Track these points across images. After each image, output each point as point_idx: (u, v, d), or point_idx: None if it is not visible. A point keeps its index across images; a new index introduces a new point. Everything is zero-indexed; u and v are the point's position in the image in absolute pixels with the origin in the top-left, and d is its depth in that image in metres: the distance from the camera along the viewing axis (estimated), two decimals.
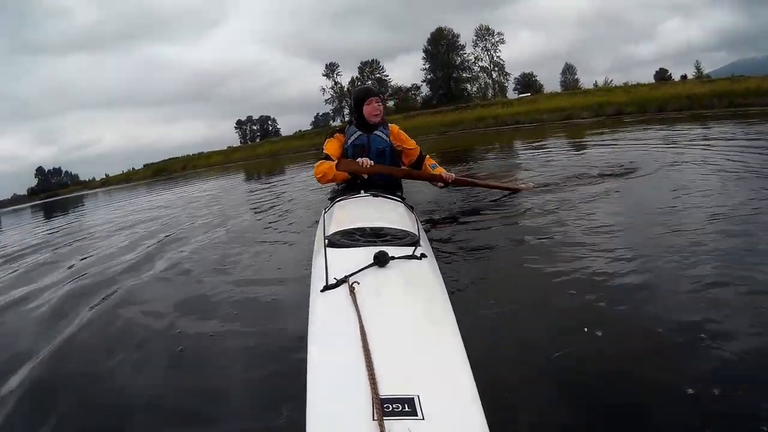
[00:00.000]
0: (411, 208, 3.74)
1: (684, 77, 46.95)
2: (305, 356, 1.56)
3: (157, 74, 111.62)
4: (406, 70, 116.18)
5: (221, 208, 8.24)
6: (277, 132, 73.77)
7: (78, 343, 2.95)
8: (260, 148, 50.74)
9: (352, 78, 66.30)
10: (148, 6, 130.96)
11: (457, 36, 63.56)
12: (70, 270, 5.20)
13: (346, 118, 4.70)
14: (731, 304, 2.21)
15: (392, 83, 67.38)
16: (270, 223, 5.66)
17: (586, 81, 59.27)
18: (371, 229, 2.64)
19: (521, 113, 29.74)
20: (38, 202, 47.48)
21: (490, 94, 61.20)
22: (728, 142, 7.77)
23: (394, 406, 1.23)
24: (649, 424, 1.62)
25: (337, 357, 1.52)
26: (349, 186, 4.15)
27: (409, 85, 67.41)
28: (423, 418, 1.20)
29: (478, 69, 63.95)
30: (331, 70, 67.20)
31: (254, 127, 77.74)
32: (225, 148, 62.24)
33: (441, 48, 63.36)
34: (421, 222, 3.36)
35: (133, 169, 65.08)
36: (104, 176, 68.64)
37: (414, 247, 2.32)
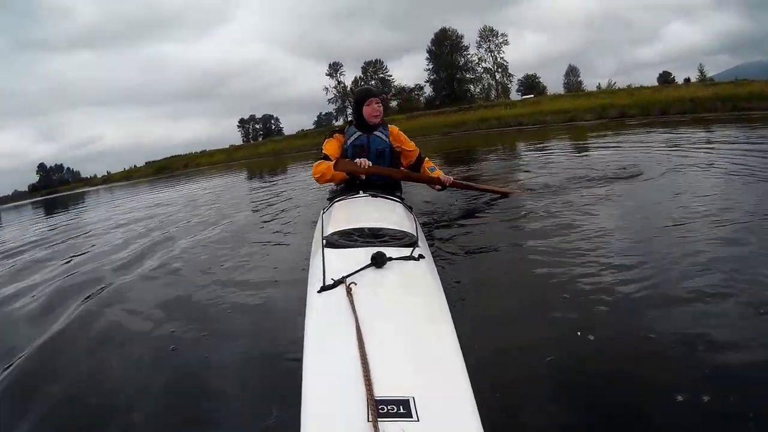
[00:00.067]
0: (410, 208, 3.72)
1: (687, 80, 46.95)
2: (301, 356, 1.55)
3: (160, 72, 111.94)
4: (410, 71, 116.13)
5: (221, 207, 8.26)
6: (279, 131, 73.99)
7: (67, 339, 2.95)
8: (263, 147, 50.92)
9: (356, 78, 66.43)
10: (152, 4, 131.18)
11: (461, 37, 63.72)
12: (64, 266, 5.22)
13: (349, 118, 4.68)
14: (728, 310, 2.19)
15: (395, 83, 67.48)
16: (269, 222, 5.65)
17: (589, 83, 59.39)
18: (369, 229, 2.63)
19: (524, 115, 29.82)
20: (39, 198, 47.73)
21: (493, 96, 61.26)
22: (731, 145, 7.74)
23: (389, 407, 1.22)
24: (641, 428, 1.62)
25: (333, 358, 1.51)
26: (348, 186, 4.15)
27: (412, 86, 67.53)
28: (418, 420, 1.19)
29: (482, 70, 64.14)
30: (334, 69, 67.39)
31: (257, 126, 77.93)
32: (227, 146, 62.65)
33: (445, 49, 63.39)
34: (419, 222, 3.35)
35: (134, 166, 65.27)
36: (106, 173, 68.94)
37: (412, 248, 2.32)
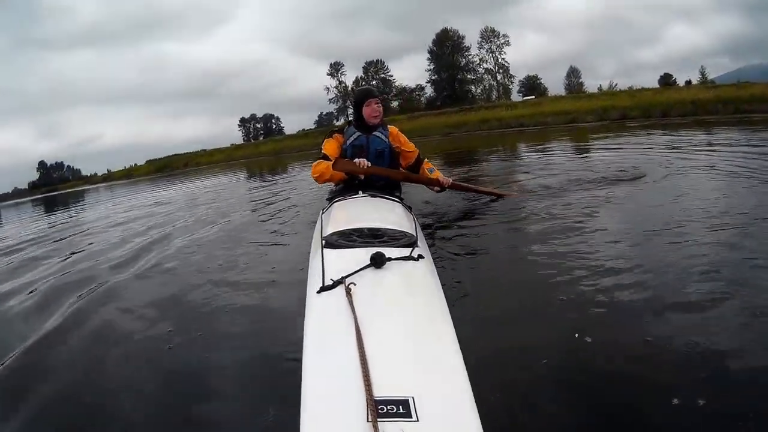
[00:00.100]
0: (409, 208, 3.72)
1: (689, 82, 46.87)
2: (300, 357, 1.55)
3: (161, 71, 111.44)
4: (411, 71, 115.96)
5: (220, 206, 8.25)
6: (280, 130, 73.98)
7: (61, 337, 2.94)
8: (263, 146, 50.98)
9: (357, 78, 66.34)
10: (153, 3, 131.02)
11: (462, 37, 63.60)
12: (62, 264, 5.23)
13: (350, 118, 4.69)
14: (727, 314, 2.18)
15: (396, 83, 67.36)
16: (268, 222, 5.63)
17: (590, 85, 59.27)
18: (369, 229, 2.63)
19: (525, 116, 29.84)
20: (39, 196, 47.81)
21: (494, 96, 61.22)
22: (732, 148, 7.72)
23: (388, 407, 1.22)
24: (638, 429, 1.63)
25: (333, 358, 1.51)
26: (347, 186, 4.15)
27: (413, 86, 67.46)
28: (417, 420, 1.19)
29: (483, 71, 63.99)
30: (335, 69, 67.28)
31: (258, 125, 77.93)
32: (228, 145, 62.62)
33: (446, 49, 63.33)
34: (419, 223, 3.34)
35: (135, 165, 65.26)
36: (106, 171, 68.94)
37: (411, 248, 2.32)
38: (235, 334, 2.59)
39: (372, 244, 2.37)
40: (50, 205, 22.04)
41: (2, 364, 2.63)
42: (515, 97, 58.65)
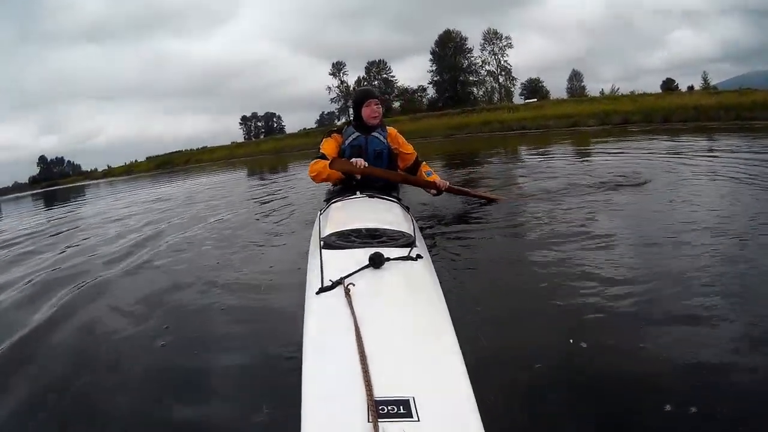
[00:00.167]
0: (407, 209, 3.73)
1: (691, 88, 46.84)
2: (300, 358, 1.54)
3: (163, 68, 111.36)
4: (413, 72, 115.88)
5: (219, 205, 8.19)
6: (281, 129, 73.92)
7: (53, 333, 2.90)
8: (264, 145, 50.95)
9: (359, 78, 66.32)
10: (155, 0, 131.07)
11: (465, 39, 63.57)
12: (55, 258, 5.23)
13: (351, 118, 4.72)
14: (724, 323, 2.16)
15: (398, 84, 67.34)
16: (266, 222, 5.59)
17: (592, 88, 59.27)
18: (367, 230, 2.63)
19: (527, 119, 29.86)
20: (39, 190, 47.70)
21: (496, 99, 61.20)
22: (734, 154, 7.72)
23: (389, 407, 1.22)
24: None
25: (332, 358, 1.50)
26: (345, 187, 4.17)
27: (415, 87, 67.45)
28: (418, 420, 1.19)
29: (485, 73, 63.96)
30: (337, 69, 67.21)
31: (259, 124, 77.83)
32: (229, 143, 62.73)
33: (448, 50, 63.32)
34: (417, 223, 3.35)
35: (135, 161, 65.26)
36: (106, 167, 68.89)
37: (410, 249, 2.33)
38: (233, 334, 2.56)
39: (370, 245, 2.37)
40: (50, 200, 22.04)
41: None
42: (517, 99, 58.78)
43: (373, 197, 3.79)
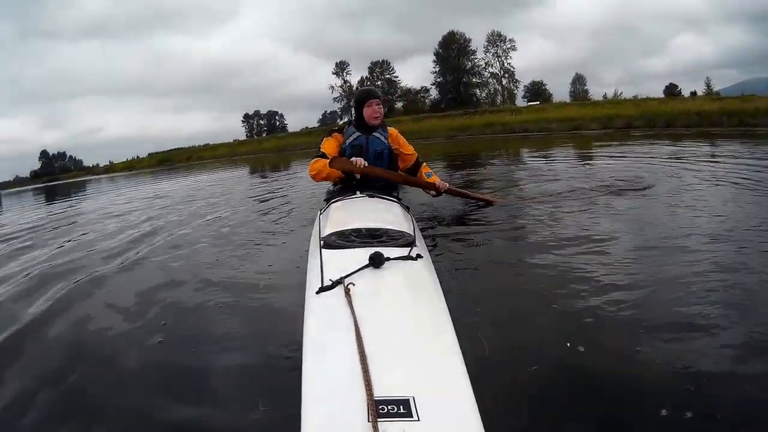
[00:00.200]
0: (407, 208, 3.73)
1: (694, 93, 46.83)
2: (300, 357, 1.54)
3: (166, 64, 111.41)
4: (416, 72, 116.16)
5: (219, 203, 8.19)
6: (284, 128, 73.94)
7: (45, 327, 2.90)
8: (266, 143, 50.85)
9: (362, 78, 66.30)
10: None
11: (469, 41, 63.61)
12: (52, 253, 5.24)
13: (353, 117, 4.72)
14: (720, 331, 2.15)
15: (401, 85, 67.36)
16: (266, 222, 5.55)
17: (595, 92, 59.36)
18: (367, 230, 2.63)
19: (530, 121, 29.80)
20: (40, 185, 47.71)
21: (498, 101, 61.19)
22: (736, 160, 7.71)
23: (389, 407, 1.22)
24: None
25: (332, 358, 1.50)
26: (345, 187, 4.18)
27: (418, 88, 67.47)
28: (418, 420, 1.19)
29: (488, 75, 64.01)
30: (341, 68, 67.28)
31: (261, 122, 77.81)
32: (231, 141, 62.65)
33: (452, 52, 63.31)
34: (417, 223, 3.35)
35: (137, 157, 65.25)
36: (108, 163, 68.93)
37: (410, 248, 2.33)
38: (232, 333, 2.55)
39: (370, 244, 2.37)
40: (50, 195, 22.09)
41: None
42: (520, 102, 58.76)
43: (373, 197, 3.80)
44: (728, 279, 2.63)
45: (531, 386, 1.89)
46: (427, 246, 2.93)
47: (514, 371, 1.99)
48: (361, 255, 2.13)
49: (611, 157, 9.99)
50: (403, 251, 2.26)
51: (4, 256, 5.56)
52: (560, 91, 63.30)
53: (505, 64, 62.98)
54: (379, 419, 1.16)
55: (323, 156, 4.08)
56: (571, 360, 2.02)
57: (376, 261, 2.03)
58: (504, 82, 63.72)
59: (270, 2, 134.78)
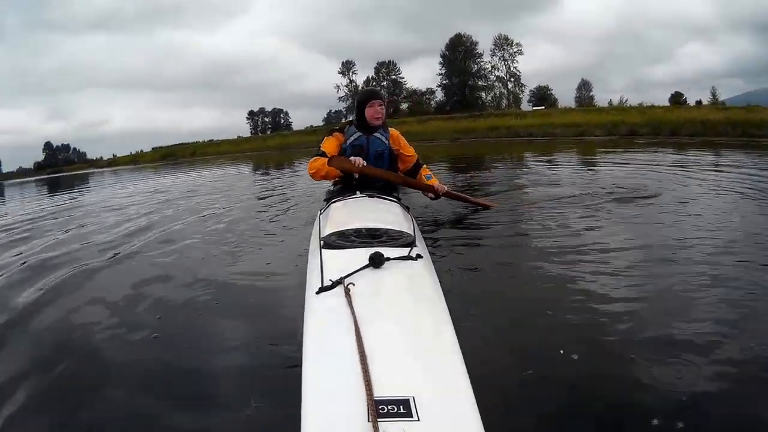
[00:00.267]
0: (407, 208, 3.74)
1: (699, 102, 46.76)
2: (300, 357, 1.54)
3: (172, 59, 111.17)
4: (422, 74, 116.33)
5: (221, 200, 8.13)
6: (288, 125, 73.81)
7: (34, 320, 2.89)
8: (270, 140, 50.82)
9: (368, 77, 66.34)
10: None
11: (476, 43, 63.48)
12: (52, 244, 5.26)
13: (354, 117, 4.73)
14: (716, 342, 2.14)
15: (407, 86, 67.31)
16: (267, 220, 5.53)
17: (600, 98, 59.21)
18: (367, 230, 2.64)
19: (534, 126, 29.72)
20: (43, 176, 47.72)
21: (504, 105, 61.16)
22: (740, 170, 7.68)
23: (389, 407, 1.22)
24: None
25: (332, 358, 1.50)
26: (345, 187, 4.20)
27: (423, 89, 67.41)
28: (418, 420, 1.19)
29: (494, 78, 63.93)
30: (347, 68, 67.17)
31: (266, 119, 77.77)
32: (235, 137, 62.58)
33: (458, 54, 63.23)
34: (417, 223, 3.36)
35: (141, 151, 65.25)
36: (112, 156, 68.94)
37: (410, 248, 2.34)
38: (231, 333, 2.53)
39: (370, 244, 2.38)
40: (53, 186, 22.08)
41: None
42: (525, 106, 58.64)
43: (373, 197, 3.81)
44: (728, 292, 2.61)
45: (531, 386, 1.90)
46: (427, 246, 2.93)
47: (514, 371, 2.00)
48: (361, 255, 2.13)
49: (615, 163, 9.98)
50: (403, 251, 2.27)
51: (1, 246, 5.56)
52: (566, 97, 63.07)
53: (512, 68, 62.93)
54: (379, 419, 1.16)
55: (323, 155, 4.10)
56: (571, 361, 2.02)
57: (376, 261, 2.03)
58: (510, 86, 63.69)
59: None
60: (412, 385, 1.31)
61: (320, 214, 3.58)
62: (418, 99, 66.26)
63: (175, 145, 62.54)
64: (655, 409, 1.69)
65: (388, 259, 2.09)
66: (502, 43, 62.40)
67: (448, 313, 1.82)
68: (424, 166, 4.62)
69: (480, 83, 64.31)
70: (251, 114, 77.46)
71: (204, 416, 1.86)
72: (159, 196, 9.68)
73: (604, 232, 3.90)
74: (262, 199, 7.64)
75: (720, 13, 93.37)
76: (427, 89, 67.07)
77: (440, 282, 2.19)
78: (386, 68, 66.80)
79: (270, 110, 77.99)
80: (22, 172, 71.63)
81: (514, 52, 62.48)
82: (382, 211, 3.45)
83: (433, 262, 2.59)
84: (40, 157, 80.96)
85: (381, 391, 1.25)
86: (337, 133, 4.33)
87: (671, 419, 1.64)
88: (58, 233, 5.93)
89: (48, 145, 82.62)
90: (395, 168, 4.48)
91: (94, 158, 74.53)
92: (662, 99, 55.48)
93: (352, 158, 3.99)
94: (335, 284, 1.90)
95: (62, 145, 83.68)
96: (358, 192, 3.90)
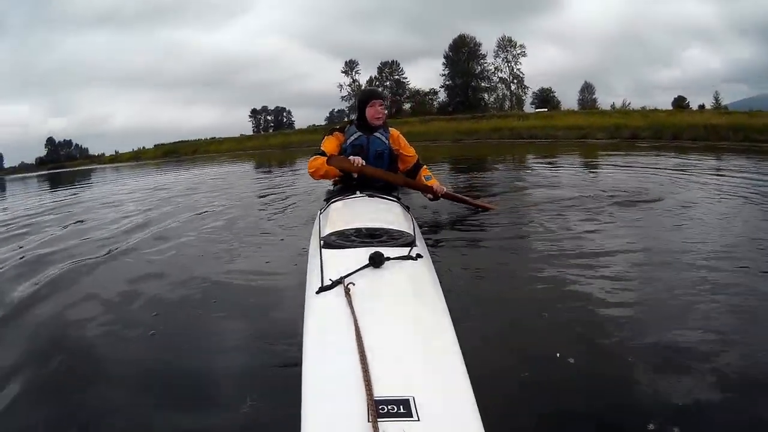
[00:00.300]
0: (407, 208, 3.75)
1: (702, 107, 46.72)
2: (300, 357, 1.54)
3: (176, 57, 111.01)
4: (425, 74, 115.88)
5: (222, 198, 8.06)
6: (291, 124, 73.76)
7: (32, 323, 2.84)
8: (273, 139, 50.82)
9: (371, 77, 66.33)
10: None
11: (479, 45, 63.43)
12: (49, 239, 5.28)
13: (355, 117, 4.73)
14: (714, 350, 2.13)
15: (410, 86, 67.28)
16: (267, 219, 5.47)
17: (603, 101, 59.06)
18: (367, 229, 2.64)
19: (537, 127, 29.71)
20: (44, 172, 47.71)
21: (507, 106, 61.12)
22: (742, 174, 7.67)
23: (389, 407, 1.22)
24: None
25: (333, 358, 1.51)
26: (345, 186, 4.21)
27: (426, 89, 67.35)
28: (418, 419, 1.19)
29: (497, 80, 63.89)
30: (350, 67, 67.13)
31: (268, 118, 77.72)
32: (238, 135, 62.47)
33: (462, 55, 63.17)
34: (417, 222, 3.35)
35: (143, 148, 65.19)
36: (114, 152, 68.90)
37: (410, 248, 2.34)
38: (233, 336, 2.50)
39: (370, 244, 2.38)
40: (54, 182, 22.08)
41: None
42: (528, 108, 58.65)
43: (373, 197, 3.81)
44: (728, 297, 2.61)
45: (531, 386, 1.91)
46: (427, 246, 2.93)
47: (514, 371, 2.00)
48: (361, 255, 2.14)
49: (617, 166, 9.97)
50: (403, 251, 2.27)
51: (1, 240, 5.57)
52: (568, 99, 62.92)
53: (515, 70, 62.95)
54: (379, 419, 1.16)
55: (322, 154, 4.11)
56: (571, 362, 2.02)
57: (376, 261, 2.04)
58: (513, 87, 63.69)
59: None
60: (412, 385, 1.31)
61: (320, 213, 3.58)
62: (421, 99, 66.20)
63: (177, 142, 62.52)
64: (654, 412, 1.70)
65: (388, 258, 2.09)
66: (506, 45, 62.41)
67: (448, 313, 1.82)
68: (424, 166, 4.62)
69: (483, 84, 64.32)
70: (254, 112, 77.45)
71: (203, 416, 1.86)
72: (159, 193, 9.67)
73: (605, 235, 3.89)
74: (262, 197, 7.62)
75: (724, 17, 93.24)
76: (430, 90, 67.06)
77: (440, 282, 2.18)
78: (389, 68, 66.75)
79: (273, 109, 78.01)
80: (23, 167, 71.58)
81: (518, 54, 62.54)
82: (382, 210, 3.46)
83: (433, 261, 2.58)
84: (43, 152, 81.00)
85: (381, 391, 1.25)
86: (337, 133, 4.35)
87: (669, 422, 1.64)
88: (57, 229, 5.94)
89: (50, 141, 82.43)
90: (395, 168, 4.48)
91: (96, 154, 74.52)
92: (665, 102, 55.47)
93: (350, 158, 4.00)
94: (335, 284, 1.90)
95: (64, 140, 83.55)
96: (358, 192, 3.90)
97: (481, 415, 1.25)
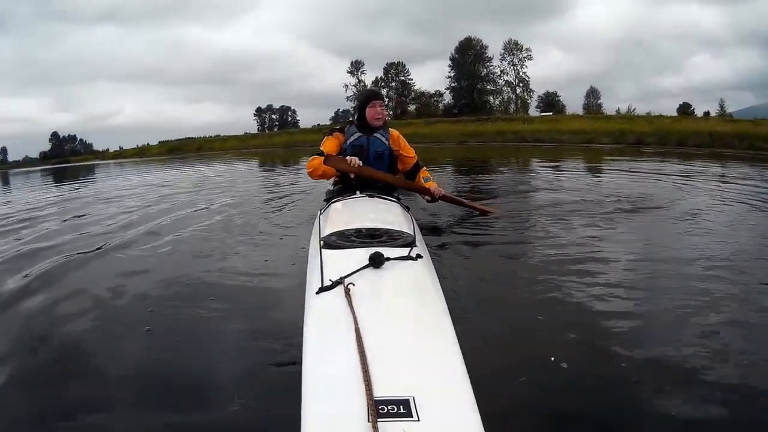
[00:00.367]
0: (407, 208, 3.75)
1: (707, 114, 46.68)
2: (300, 357, 1.55)
3: (181, 54, 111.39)
4: (431, 76, 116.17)
5: (222, 195, 8.08)
6: (295, 123, 73.86)
7: (28, 322, 2.81)
8: (277, 138, 50.83)
9: (376, 78, 66.31)
10: None
11: (485, 47, 63.43)
12: (48, 233, 5.29)
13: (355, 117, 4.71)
14: (713, 351, 2.14)
15: (415, 87, 67.28)
16: (268, 218, 5.43)
17: (608, 106, 59.03)
18: (367, 230, 2.65)
19: (542, 131, 29.67)
20: (48, 166, 47.74)
21: (512, 109, 61.06)
22: (746, 182, 7.67)
23: (389, 407, 1.22)
24: None
25: (332, 358, 1.51)
26: (345, 187, 4.21)
27: (432, 91, 67.36)
28: (418, 420, 1.19)
29: (503, 83, 63.85)
30: (356, 67, 67.13)
31: (273, 116, 77.80)
32: (242, 133, 62.52)
33: (468, 58, 63.14)
34: (417, 223, 3.36)
35: (147, 144, 65.20)
36: (118, 148, 68.87)
37: (410, 248, 2.35)
38: (233, 337, 2.47)
39: (370, 244, 2.39)
40: (58, 177, 22.06)
41: None
42: (533, 112, 58.60)
43: (373, 197, 3.82)
44: (730, 306, 2.60)
45: (531, 386, 1.91)
46: (427, 246, 2.92)
47: (514, 372, 2.00)
48: (361, 255, 2.14)
49: (621, 172, 9.94)
50: (403, 251, 2.28)
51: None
52: (574, 104, 62.88)
53: (521, 73, 62.87)
54: (379, 419, 1.16)
55: (321, 154, 4.11)
56: (571, 363, 2.03)
57: (376, 261, 2.04)
58: (518, 91, 63.63)
59: None
60: (412, 385, 1.31)
61: (320, 213, 3.59)
62: (426, 101, 66.22)
63: (181, 139, 62.56)
64: (651, 414, 1.71)
65: (388, 259, 2.10)
66: (512, 48, 62.36)
67: (448, 313, 1.82)
68: (424, 167, 4.61)
69: (488, 87, 64.31)
70: (258, 111, 77.55)
71: (202, 416, 1.84)
72: (162, 190, 9.68)
73: (606, 240, 3.89)
74: (263, 196, 7.63)
75: (730, 25, 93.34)
76: (436, 91, 67.11)
77: (440, 282, 2.19)
78: (395, 69, 66.76)
79: (277, 107, 78.12)
80: (27, 162, 71.61)
81: (524, 58, 62.47)
82: (382, 211, 3.46)
83: (433, 262, 2.59)
84: (47, 147, 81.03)
85: (381, 391, 1.26)
86: (337, 133, 4.35)
87: (668, 423, 1.66)
88: (56, 223, 5.97)
89: (55, 135, 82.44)
90: (395, 169, 4.49)
91: (101, 150, 74.56)
92: (670, 109, 55.34)
93: (348, 158, 3.99)
94: (335, 284, 1.91)
95: (69, 135, 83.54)
96: (358, 192, 3.91)
97: (481, 415, 1.25)
